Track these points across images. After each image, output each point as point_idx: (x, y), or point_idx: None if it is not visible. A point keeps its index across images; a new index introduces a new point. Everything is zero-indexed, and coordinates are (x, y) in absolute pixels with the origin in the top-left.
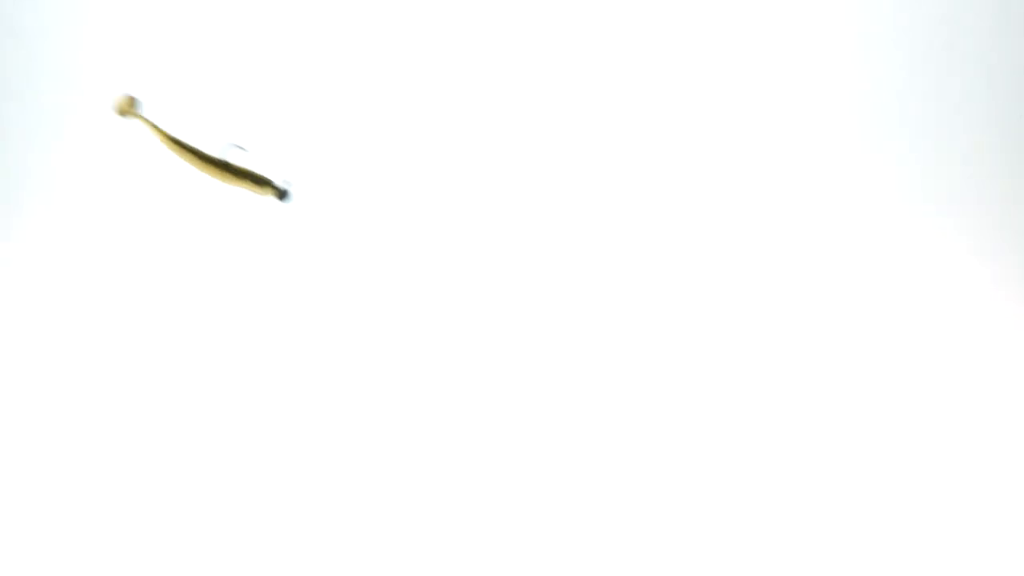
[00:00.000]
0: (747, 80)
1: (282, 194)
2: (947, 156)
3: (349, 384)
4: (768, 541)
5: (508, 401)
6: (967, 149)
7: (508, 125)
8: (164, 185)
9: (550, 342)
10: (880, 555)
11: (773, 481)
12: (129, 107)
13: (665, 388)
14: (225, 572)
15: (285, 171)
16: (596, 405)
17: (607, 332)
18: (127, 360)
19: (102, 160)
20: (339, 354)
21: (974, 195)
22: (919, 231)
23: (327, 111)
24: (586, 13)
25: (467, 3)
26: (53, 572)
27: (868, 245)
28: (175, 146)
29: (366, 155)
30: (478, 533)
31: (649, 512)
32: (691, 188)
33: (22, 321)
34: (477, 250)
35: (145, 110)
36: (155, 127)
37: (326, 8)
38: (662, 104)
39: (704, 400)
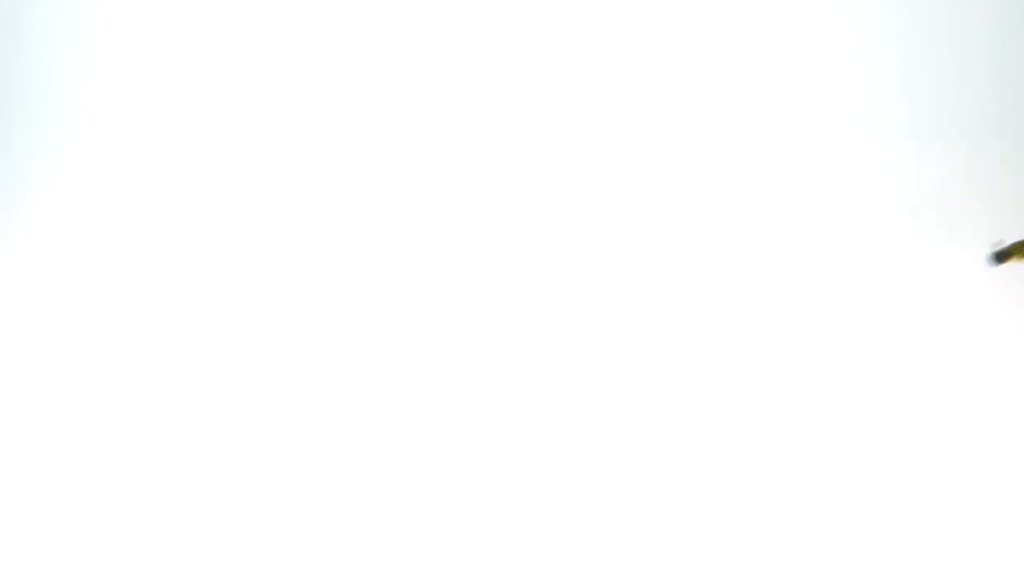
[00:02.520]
0: (747, 82)
1: None
2: (947, 157)
3: (347, 384)
4: (767, 542)
5: (506, 403)
6: (967, 150)
7: (508, 125)
8: (164, 186)
9: (548, 344)
10: (880, 557)
11: (771, 486)
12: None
13: (664, 390)
14: (225, 572)
15: None
16: (594, 407)
17: (606, 334)
18: (127, 360)
19: (103, 161)
20: (338, 355)
21: (974, 196)
22: (918, 232)
23: (327, 111)
24: (586, 13)
25: (468, 3)
26: (53, 572)
27: (868, 247)
28: None
29: (367, 155)
30: (476, 534)
31: (647, 513)
32: (691, 191)
33: (22, 321)
34: (476, 251)
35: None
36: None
37: (321, 6)
38: (662, 105)
39: (702, 403)
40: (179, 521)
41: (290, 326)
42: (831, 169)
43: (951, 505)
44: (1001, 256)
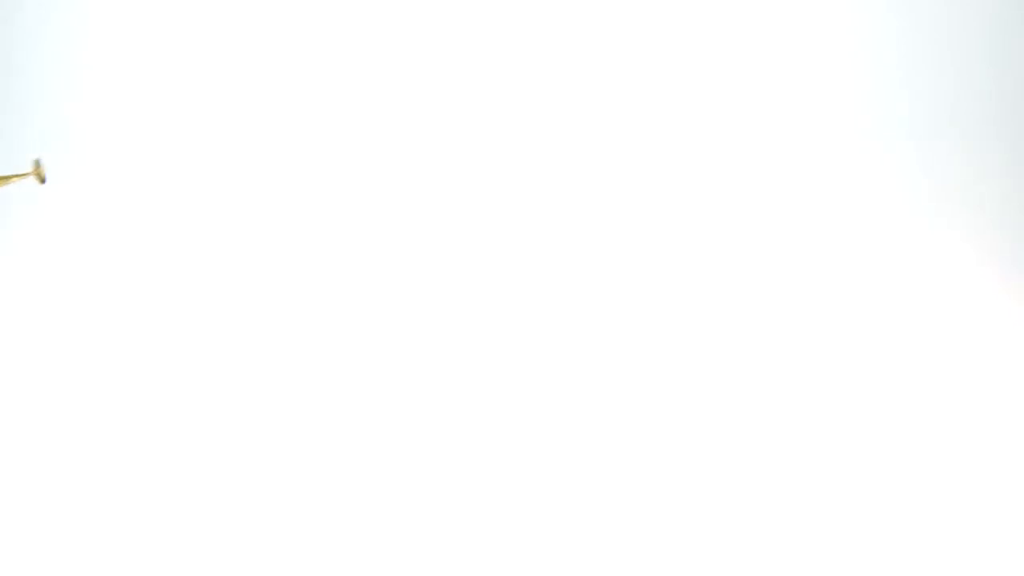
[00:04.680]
0: (748, 82)
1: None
2: (947, 156)
3: (347, 384)
4: (769, 542)
5: (507, 403)
6: (967, 150)
7: (508, 126)
8: (163, 186)
9: (549, 343)
10: (880, 556)
11: (774, 485)
12: None
13: (664, 390)
14: (225, 572)
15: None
16: (596, 408)
17: (607, 334)
18: (127, 361)
19: (103, 161)
20: (338, 355)
21: (974, 196)
22: (919, 232)
23: (326, 111)
24: (587, 13)
25: (468, 3)
26: (53, 572)
27: (868, 247)
28: None
29: (366, 155)
30: (476, 533)
31: (647, 514)
32: (692, 190)
33: (22, 321)
34: (476, 251)
35: None
36: None
37: (324, 9)
38: (663, 105)
39: (704, 403)
40: (178, 520)
41: (288, 325)
42: (832, 169)
43: (962, 506)
44: None
